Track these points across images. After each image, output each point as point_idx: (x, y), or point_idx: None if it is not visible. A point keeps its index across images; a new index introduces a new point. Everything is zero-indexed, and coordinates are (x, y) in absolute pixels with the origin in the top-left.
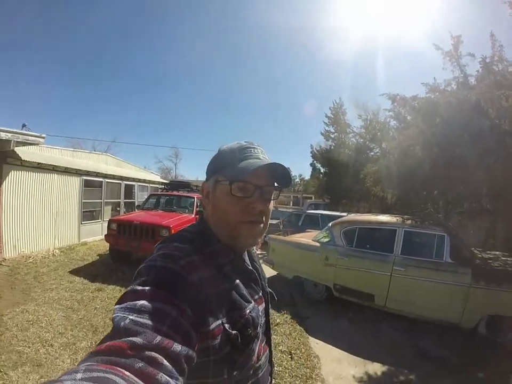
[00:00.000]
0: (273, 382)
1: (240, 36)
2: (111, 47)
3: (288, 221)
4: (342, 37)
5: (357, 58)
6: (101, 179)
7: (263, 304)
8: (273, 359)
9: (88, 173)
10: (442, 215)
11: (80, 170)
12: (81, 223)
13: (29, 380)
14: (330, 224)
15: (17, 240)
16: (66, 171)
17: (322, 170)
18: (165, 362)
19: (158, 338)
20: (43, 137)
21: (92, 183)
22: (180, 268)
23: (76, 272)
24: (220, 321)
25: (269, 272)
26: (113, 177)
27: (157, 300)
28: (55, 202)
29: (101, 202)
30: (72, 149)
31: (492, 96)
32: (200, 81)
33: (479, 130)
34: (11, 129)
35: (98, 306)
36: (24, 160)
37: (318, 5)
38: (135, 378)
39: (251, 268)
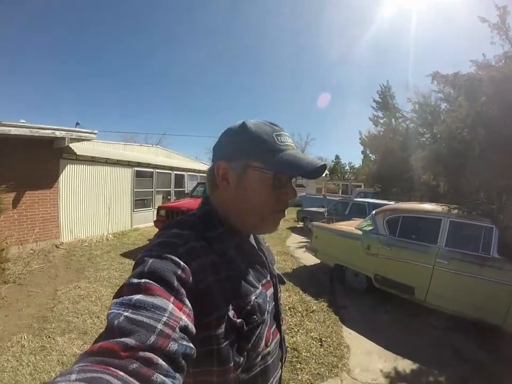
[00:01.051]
0: (283, 367)
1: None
2: (160, 46)
3: (335, 209)
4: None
5: (403, 39)
6: (151, 169)
7: (271, 288)
8: (286, 344)
9: (139, 164)
10: (496, 206)
11: (131, 162)
12: (134, 211)
13: (74, 345)
14: (373, 212)
15: (74, 225)
16: (118, 163)
17: (372, 157)
18: (161, 361)
19: (153, 338)
20: (95, 133)
21: (143, 174)
22: (178, 256)
23: (126, 254)
24: (223, 311)
25: (312, 260)
26: (163, 167)
27: (153, 294)
28: (109, 191)
29: (152, 191)
30: (123, 143)
31: None
32: (254, 70)
33: None
34: (65, 128)
35: None
36: (79, 154)
37: None
38: (130, 378)
39: (257, 251)
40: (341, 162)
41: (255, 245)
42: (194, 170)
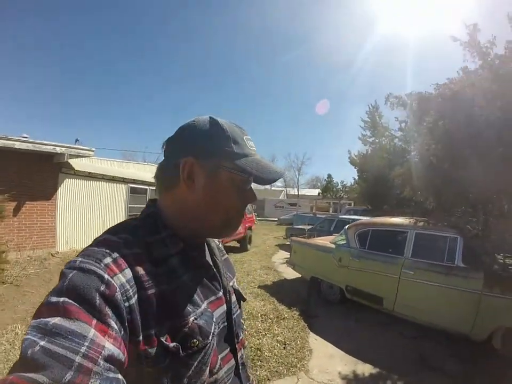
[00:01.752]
0: None
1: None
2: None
3: (321, 226)
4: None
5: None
6: (146, 187)
7: (223, 306)
8: (245, 369)
9: (134, 181)
10: (479, 218)
11: (126, 178)
12: None
13: None
14: (346, 227)
15: (69, 237)
16: (113, 179)
17: (360, 176)
18: None
19: (69, 375)
20: (92, 151)
21: (137, 190)
22: (103, 268)
23: None
24: (152, 331)
25: (293, 274)
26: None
27: (71, 317)
28: (104, 206)
29: None
30: (120, 160)
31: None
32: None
33: (471, 121)
34: (65, 144)
35: None
36: (76, 169)
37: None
38: None
39: (208, 261)
40: (333, 181)
41: (207, 254)
42: None
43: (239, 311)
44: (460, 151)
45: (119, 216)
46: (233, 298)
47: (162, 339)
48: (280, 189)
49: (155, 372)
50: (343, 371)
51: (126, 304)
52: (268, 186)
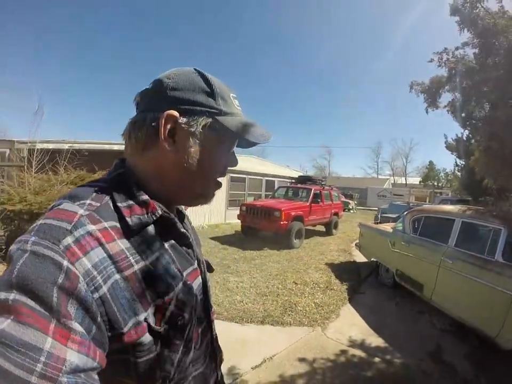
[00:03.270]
0: (220, 372)
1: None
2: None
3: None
4: None
5: None
6: (244, 176)
7: (199, 277)
8: (217, 340)
9: (233, 171)
10: None
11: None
12: (227, 208)
13: None
14: (404, 213)
15: None
16: None
17: (458, 163)
18: None
19: None
20: None
21: (236, 179)
22: (61, 253)
23: (213, 238)
24: (139, 317)
25: (364, 259)
26: (255, 174)
27: (23, 321)
28: None
29: (245, 193)
30: None
31: None
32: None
33: None
34: None
35: (218, 256)
36: None
37: None
38: None
39: (183, 230)
40: (435, 168)
41: (178, 221)
42: (285, 177)
43: (209, 282)
44: None
45: (221, 201)
46: (205, 269)
47: (152, 324)
48: (386, 177)
49: (146, 362)
50: (354, 336)
51: (95, 295)
52: (374, 175)
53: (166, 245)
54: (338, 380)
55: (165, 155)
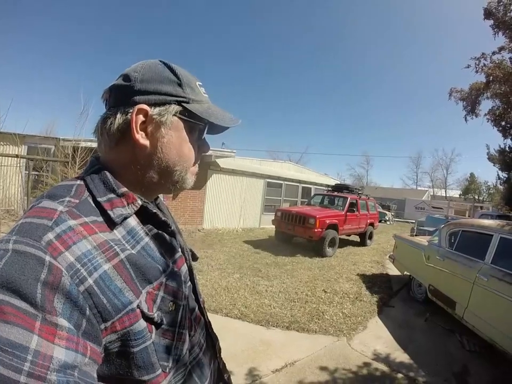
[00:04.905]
0: (220, 356)
1: None
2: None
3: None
4: None
5: None
6: (281, 182)
7: (185, 264)
8: (211, 327)
9: (270, 177)
10: None
11: (264, 174)
12: (263, 213)
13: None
14: (441, 226)
15: (214, 218)
16: (253, 175)
17: (501, 175)
18: None
19: None
20: (234, 152)
21: (273, 184)
22: (42, 248)
23: (247, 242)
24: (133, 305)
25: (397, 272)
26: (292, 180)
27: (8, 320)
28: (243, 197)
29: (280, 199)
30: (259, 159)
31: None
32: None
33: None
34: (212, 148)
35: (250, 259)
36: (222, 167)
37: None
38: None
39: (165, 219)
40: (476, 181)
41: (158, 210)
42: (321, 184)
43: (194, 270)
44: None
45: (256, 206)
46: (190, 257)
47: (145, 310)
48: (425, 189)
49: (143, 351)
50: (379, 350)
51: (81, 288)
52: (413, 186)
53: (150, 234)
54: None
55: (140, 148)
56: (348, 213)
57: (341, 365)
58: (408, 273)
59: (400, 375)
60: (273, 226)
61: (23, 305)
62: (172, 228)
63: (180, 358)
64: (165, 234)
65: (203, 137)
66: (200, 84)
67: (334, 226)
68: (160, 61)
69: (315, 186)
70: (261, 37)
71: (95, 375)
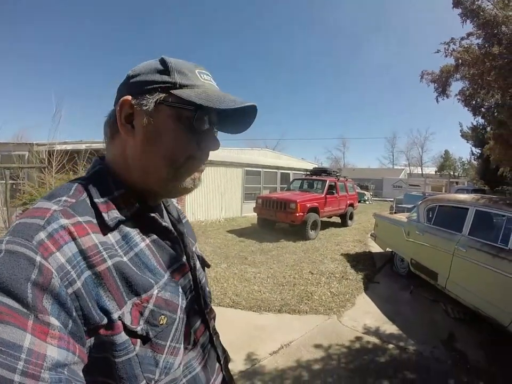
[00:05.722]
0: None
1: None
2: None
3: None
4: None
5: None
6: (259, 169)
7: (189, 273)
8: (218, 338)
9: (248, 165)
10: None
11: (242, 163)
12: (243, 202)
13: None
14: (419, 202)
15: (195, 210)
16: (231, 164)
17: (474, 151)
18: None
19: None
20: None
21: (252, 172)
22: (34, 247)
23: (231, 231)
24: (114, 315)
25: (379, 248)
26: (270, 167)
27: (2, 320)
28: (223, 187)
29: (260, 187)
30: (236, 148)
31: None
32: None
33: None
34: None
35: (235, 248)
36: None
37: None
38: None
39: (167, 224)
40: (451, 158)
41: (165, 216)
42: (299, 169)
43: (204, 278)
44: None
45: (237, 195)
46: (198, 264)
47: (128, 323)
48: (402, 167)
49: (125, 362)
50: (368, 324)
51: (69, 290)
52: (390, 165)
53: (147, 240)
54: (352, 365)
55: (126, 141)
56: (327, 196)
57: (334, 341)
58: (390, 250)
59: (391, 346)
60: (255, 214)
61: (16, 305)
62: (174, 235)
63: (169, 372)
64: (165, 241)
65: (205, 130)
66: (202, 71)
67: (314, 210)
68: (161, 57)
69: (293, 172)
70: (227, 20)
71: (81, 374)
